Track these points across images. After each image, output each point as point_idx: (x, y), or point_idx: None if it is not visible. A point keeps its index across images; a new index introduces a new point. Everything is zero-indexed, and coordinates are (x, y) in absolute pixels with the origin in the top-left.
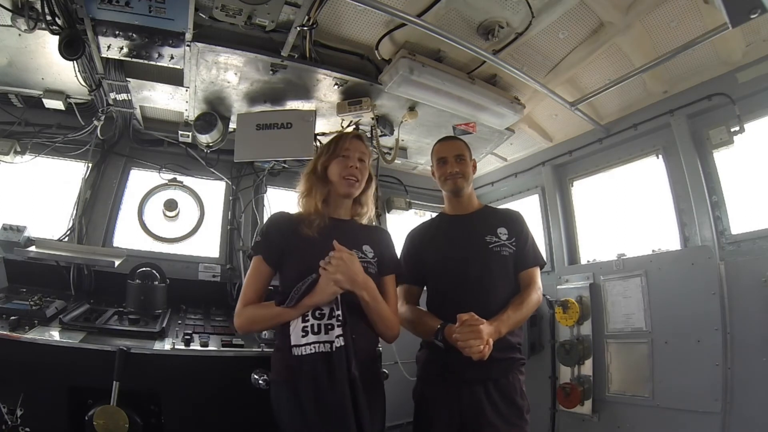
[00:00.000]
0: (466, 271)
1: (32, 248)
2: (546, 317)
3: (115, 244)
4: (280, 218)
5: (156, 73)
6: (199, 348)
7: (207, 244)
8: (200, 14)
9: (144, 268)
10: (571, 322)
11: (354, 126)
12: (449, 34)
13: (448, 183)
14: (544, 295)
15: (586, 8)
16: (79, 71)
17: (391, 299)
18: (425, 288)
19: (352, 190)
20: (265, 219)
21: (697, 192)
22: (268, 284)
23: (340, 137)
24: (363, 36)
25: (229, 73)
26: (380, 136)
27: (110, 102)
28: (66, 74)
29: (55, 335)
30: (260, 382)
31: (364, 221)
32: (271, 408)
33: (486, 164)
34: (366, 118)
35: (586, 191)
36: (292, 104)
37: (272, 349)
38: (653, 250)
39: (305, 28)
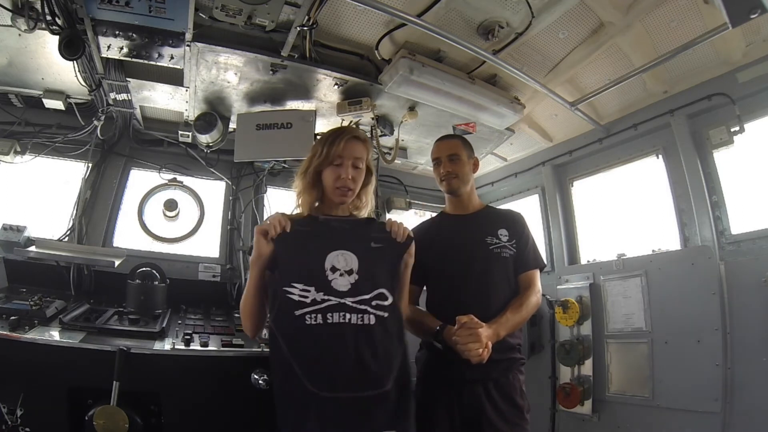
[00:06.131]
0: (466, 272)
1: (32, 248)
2: (546, 317)
3: (115, 244)
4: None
5: (156, 73)
6: (199, 348)
7: (207, 244)
8: (200, 14)
9: (144, 268)
10: (571, 322)
11: (353, 125)
12: (449, 34)
13: (443, 184)
14: (544, 295)
15: (586, 8)
16: (79, 71)
17: None
18: (425, 288)
19: (344, 199)
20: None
21: (697, 192)
22: None
23: (334, 139)
24: (363, 36)
25: (229, 73)
26: (380, 136)
27: (110, 102)
28: (66, 74)
29: (55, 335)
30: (260, 382)
31: (363, 214)
32: None
33: (486, 164)
34: (366, 118)
35: (586, 191)
36: (292, 104)
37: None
38: (653, 250)
39: (305, 28)
